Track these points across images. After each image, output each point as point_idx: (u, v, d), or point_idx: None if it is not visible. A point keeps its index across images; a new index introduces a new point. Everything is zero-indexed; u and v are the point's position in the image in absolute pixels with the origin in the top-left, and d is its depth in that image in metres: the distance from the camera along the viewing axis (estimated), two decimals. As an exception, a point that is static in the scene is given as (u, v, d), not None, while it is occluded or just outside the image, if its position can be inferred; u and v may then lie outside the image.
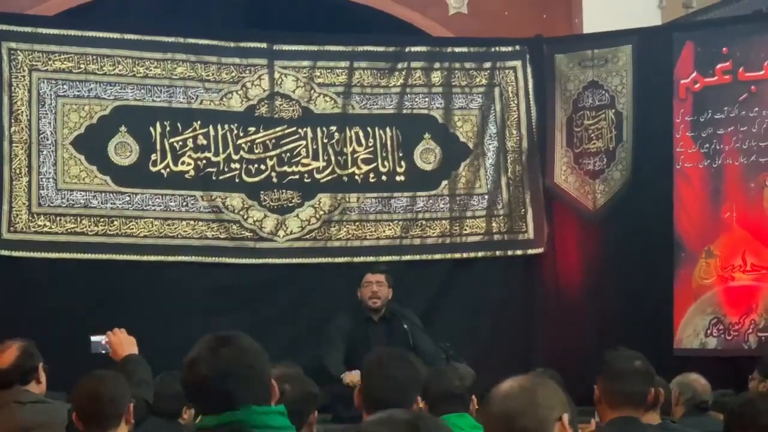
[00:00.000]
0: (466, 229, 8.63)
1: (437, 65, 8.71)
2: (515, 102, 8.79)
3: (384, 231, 8.52)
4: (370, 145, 8.55)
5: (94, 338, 4.79)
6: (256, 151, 8.31)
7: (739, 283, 7.96)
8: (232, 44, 8.34)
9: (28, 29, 7.90)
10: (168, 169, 8.11)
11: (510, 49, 8.84)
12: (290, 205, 8.33)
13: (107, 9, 8.48)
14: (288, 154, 8.37)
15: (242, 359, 2.64)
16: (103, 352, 4.75)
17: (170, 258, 8.04)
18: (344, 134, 8.49)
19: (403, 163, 8.59)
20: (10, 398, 4.60)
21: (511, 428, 2.35)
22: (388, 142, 8.58)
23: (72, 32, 7.98)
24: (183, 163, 8.15)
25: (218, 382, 2.60)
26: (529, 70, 8.80)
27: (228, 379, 2.60)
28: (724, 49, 8.10)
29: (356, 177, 8.51)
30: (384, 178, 8.55)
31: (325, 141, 8.45)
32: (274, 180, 8.32)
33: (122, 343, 4.72)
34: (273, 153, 8.34)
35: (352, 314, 7.58)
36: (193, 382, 2.64)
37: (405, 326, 7.32)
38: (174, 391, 5.37)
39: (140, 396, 4.36)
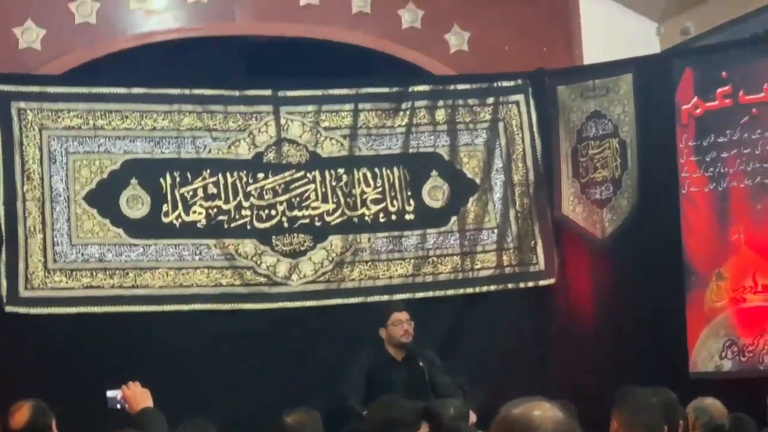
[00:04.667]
0: (477, 264, 8.67)
1: (441, 103, 8.77)
2: (520, 135, 8.84)
3: (396, 270, 8.55)
4: (378, 185, 8.60)
5: (110, 393, 4.86)
6: (266, 197, 8.38)
7: (750, 304, 7.96)
8: (237, 93, 8.42)
9: (36, 89, 7.99)
10: (180, 219, 8.18)
11: (512, 83, 8.91)
12: (302, 248, 8.38)
13: (113, 65, 8.56)
14: (297, 199, 8.44)
15: None
16: (119, 406, 4.82)
17: (185, 307, 8.06)
18: (352, 176, 8.56)
19: (411, 201, 8.64)
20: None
21: None
22: (396, 182, 8.64)
23: (79, 89, 8.07)
24: (194, 212, 8.22)
25: None
26: (531, 103, 8.86)
27: None
28: (723, 73, 8.14)
29: (366, 218, 8.56)
30: (394, 217, 8.60)
31: (334, 183, 8.52)
32: (285, 224, 8.38)
33: (136, 396, 4.77)
34: (283, 198, 8.40)
35: (373, 354, 7.58)
36: None
37: (421, 364, 7.35)
38: (196, 441, 5.42)
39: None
